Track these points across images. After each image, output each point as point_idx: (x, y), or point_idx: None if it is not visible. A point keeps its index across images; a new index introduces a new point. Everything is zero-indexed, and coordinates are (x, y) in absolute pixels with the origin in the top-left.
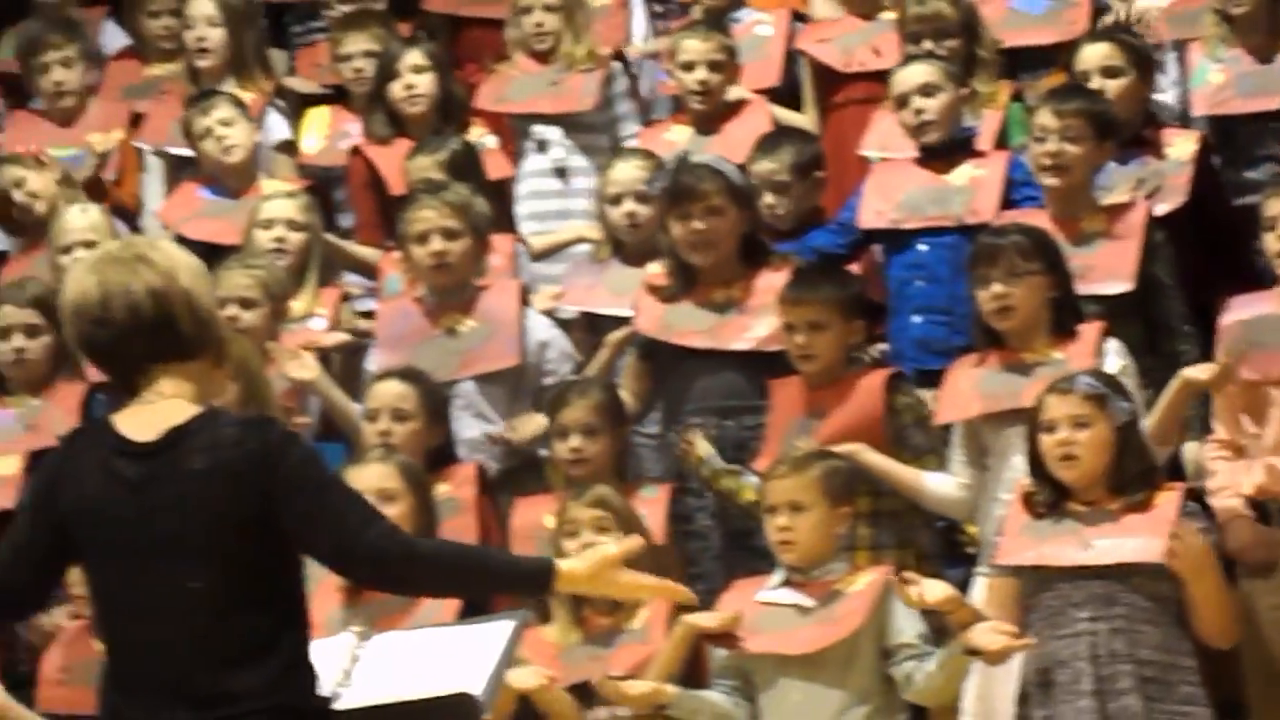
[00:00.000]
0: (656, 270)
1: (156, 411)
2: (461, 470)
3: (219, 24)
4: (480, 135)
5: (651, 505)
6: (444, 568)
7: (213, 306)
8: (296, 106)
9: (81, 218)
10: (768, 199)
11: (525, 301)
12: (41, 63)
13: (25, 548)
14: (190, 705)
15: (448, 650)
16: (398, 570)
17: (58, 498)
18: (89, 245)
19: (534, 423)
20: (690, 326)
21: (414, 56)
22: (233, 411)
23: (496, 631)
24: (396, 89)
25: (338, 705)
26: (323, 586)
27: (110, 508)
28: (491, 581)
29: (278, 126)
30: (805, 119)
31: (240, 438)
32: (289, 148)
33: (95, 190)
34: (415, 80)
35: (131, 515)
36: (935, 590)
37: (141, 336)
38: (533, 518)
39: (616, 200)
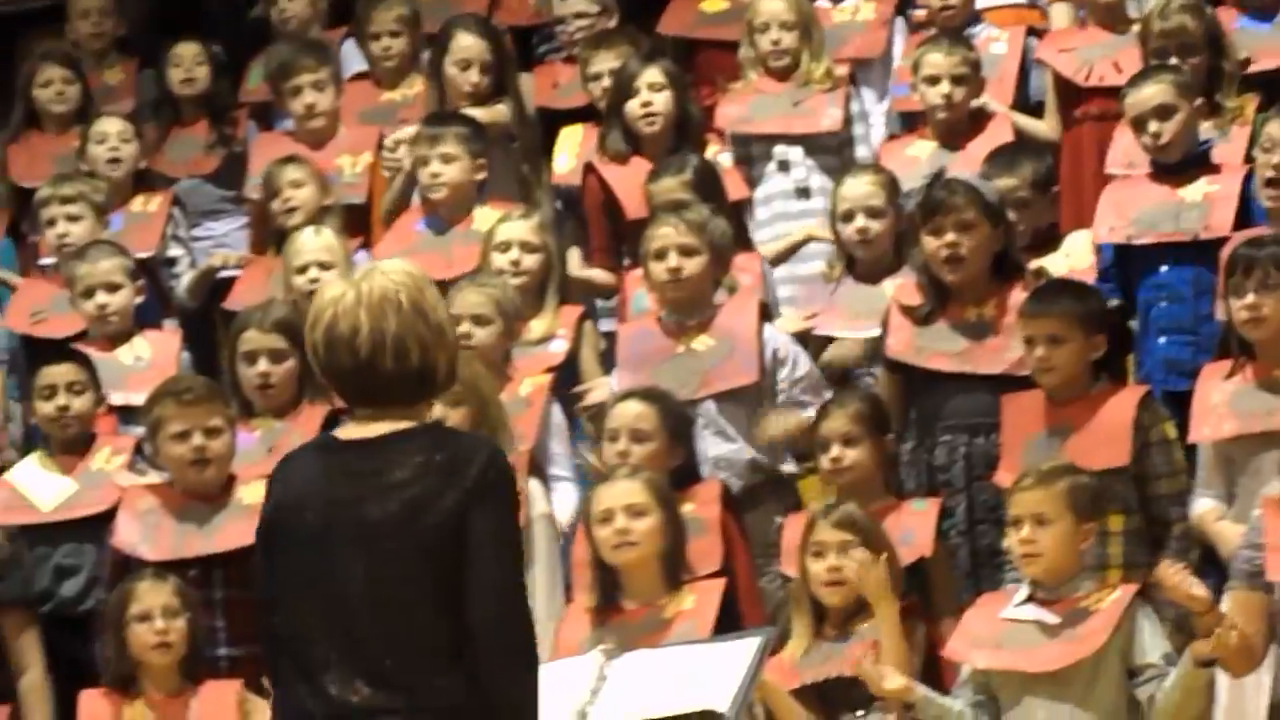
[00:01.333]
0: (899, 285)
1: (381, 422)
2: (705, 489)
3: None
4: (715, 154)
5: (921, 518)
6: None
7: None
8: (550, 126)
9: (315, 239)
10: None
11: (766, 318)
12: (293, 86)
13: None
14: (376, 685)
15: (695, 668)
16: (488, 666)
17: (268, 501)
18: (323, 266)
19: (778, 422)
20: (942, 349)
21: (652, 74)
22: (463, 437)
23: (743, 649)
24: (633, 107)
25: None
26: (573, 609)
27: (315, 499)
28: None
29: None
30: (1048, 127)
31: (453, 447)
32: None
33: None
34: (652, 98)
35: (335, 508)
36: (1199, 587)
37: (402, 383)
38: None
39: (849, 216)
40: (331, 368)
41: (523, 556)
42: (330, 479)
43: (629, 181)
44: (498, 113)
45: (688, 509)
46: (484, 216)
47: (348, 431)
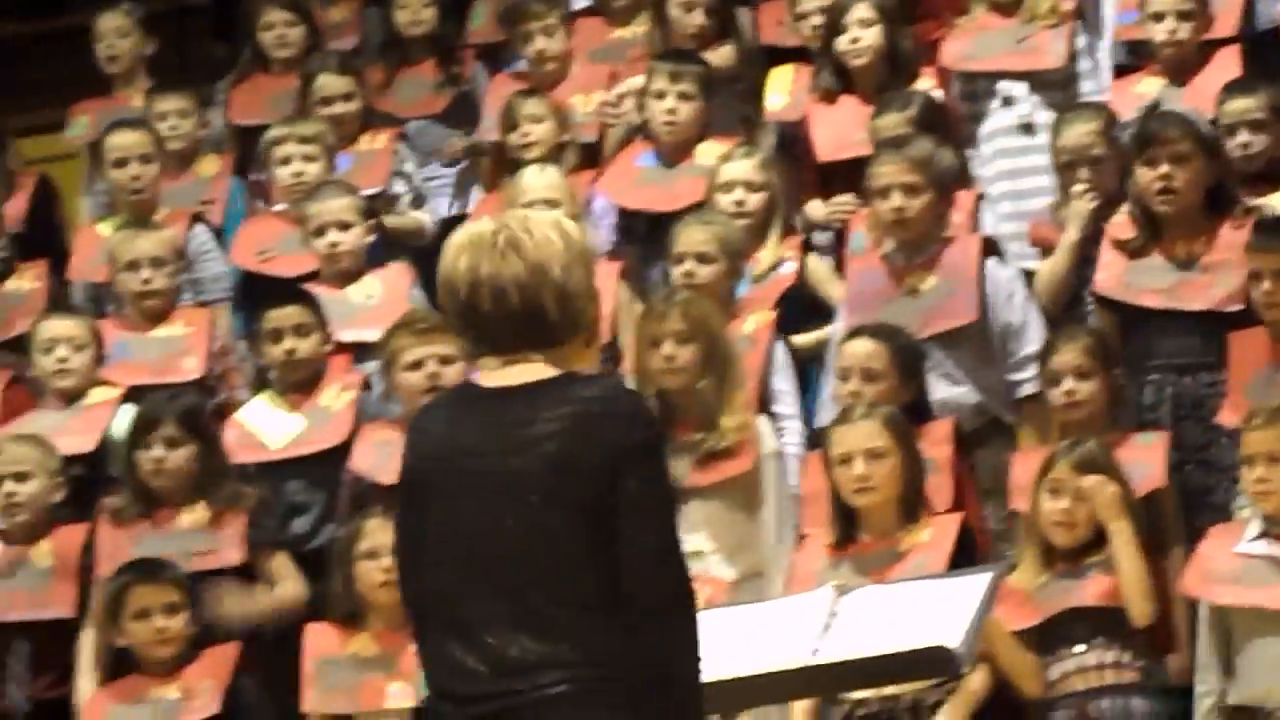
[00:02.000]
0: (1112, 221)
1: (520, 368)
2: (938, 427)
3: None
4: (929, 89)
5: (1151, 451)
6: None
7: (588, 292)
8: (763, 65)
9: (540, 177)
10: (1241, 136)
11: (989, 254)
12: (523, 31)
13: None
14: (536, 638)
15: (926, 603)
16: (653, 622)
17: (409, 454)
18: (549, 204)
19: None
20: (1151, 285)
21: (861, 10)
22: (598, 389)
23: (974, 584)
24: (843, 42)
25: (817, 660)
26: (810, 542)
27: (457, 452)
28: None
29: None
30: None
31: (592, 398)
32: None
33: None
34: (861, 34)
35: (477, 460)
36: None
37: (508, 325)
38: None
39: (1070, 167)
40: (443, 309)
41: (675, 513)
42: (473, 429)
43: (835, 119)
44: (722, 54)
45: (922, 447)
46: (706, 151)
47: (488, 377)
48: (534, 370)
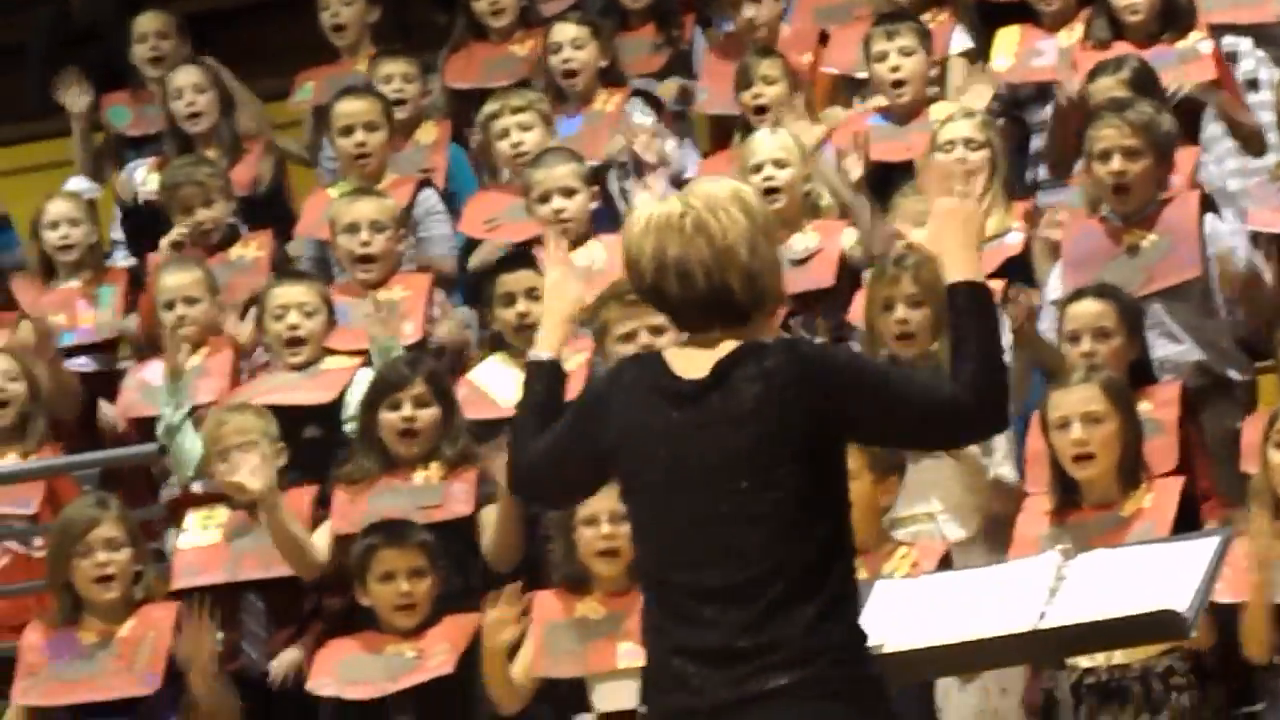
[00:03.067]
0: None
1: (703, 348)
2: (1164, 389)
3: None
4: (1197, 42)
5: None
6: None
7: (773, 266)
8: (988, 25)
9: (771, 139)
10: None
11: (1207, 210)
12: None
13: (565, 454)
14: (728, 655)
15: (1153, 567)
16: (992, 398)
17: (605, 425)
18: (779, 165)
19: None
20: None
21: None
22: (772, 338)
23: (1202, 548)
24: None
25: (1044, 624)
26: (1031, 505)
27: (660, 443)
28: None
29: (959, 39)
30: None
31: (781, 364)
32: (969, 55)
33: None
34: None
35: (682, 450)
36: None
37: (695, 306)
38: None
39: None
40: (638, 290)
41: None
42: (671, 416)
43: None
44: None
45: (1145, 408)
46: (938, 110)
47: (678, 362)
48: (719, 349)
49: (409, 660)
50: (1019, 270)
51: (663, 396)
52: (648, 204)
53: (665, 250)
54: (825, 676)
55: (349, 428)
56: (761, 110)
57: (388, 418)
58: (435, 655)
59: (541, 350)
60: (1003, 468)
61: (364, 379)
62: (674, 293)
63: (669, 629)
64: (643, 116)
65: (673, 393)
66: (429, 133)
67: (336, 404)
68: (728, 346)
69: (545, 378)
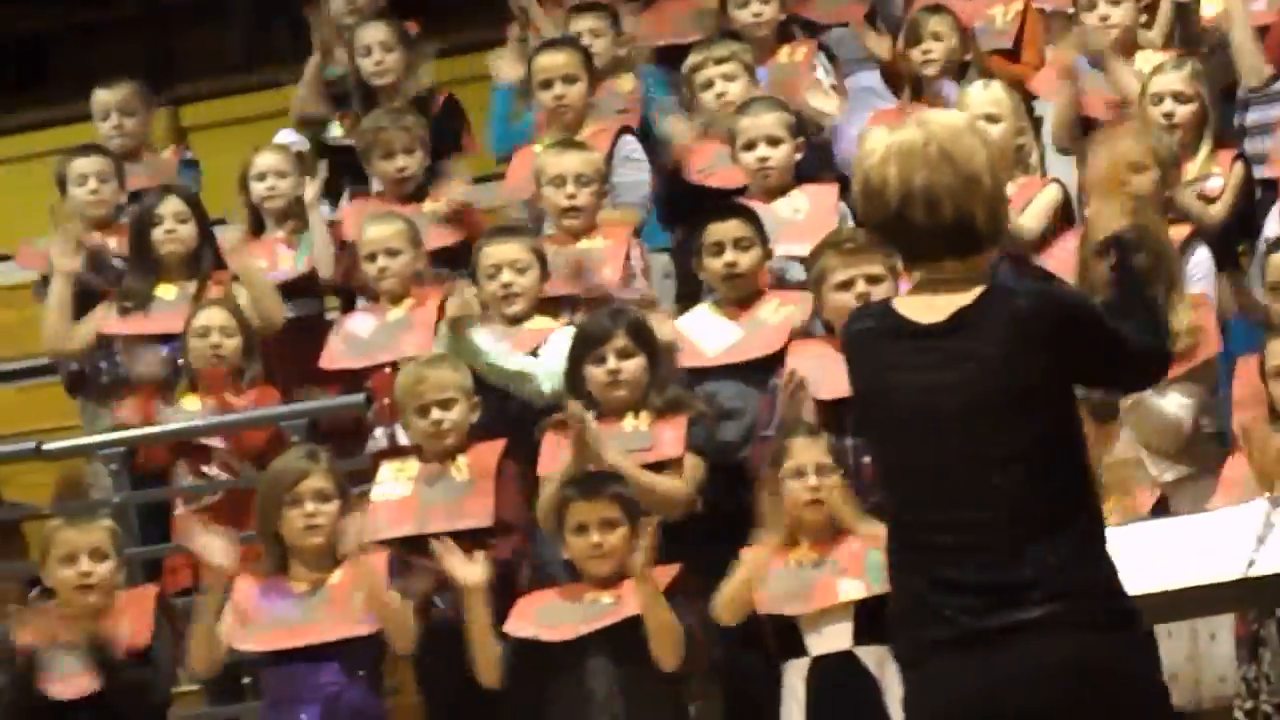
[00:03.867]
0: None
1: (941, 294)
2: None
3: None
4: None
5: None
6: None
7: (1006, 198)
8: None
9: (984, 92)
10: None
11: None
12: None
13: None
14: (984, 588)
15: None
16: (1166, 340)
17: (852, 376)
18: (990, 119)
19: None
20: None
21: None
22: (1008, 282)
23: None
24: None
25: (1253, 571)
26: (1240, 448)
27: (908, 387)
28: None
29: None
30: None
31: (1030, 308)
32: None
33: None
34: None
35: (931, 394)
36: None
37: (937, 237)
38: None
39: None
40: (869, 221)
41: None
42: (911, 363)
43: None
44: None
45: None
46: (1146, 58)
47: (913, 308)
48: (957, 292)
49: (606, 605)
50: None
51: (905, 342)
52: (881, 133)
53: (912, 178)
54: (1083, 608)
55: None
56: (929, 64)
57: (593, 371)
58: (630, 603)
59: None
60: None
61: (561, 338)
62: (919, 221)
63: (921, 565)
64: (824, 74)
65: (915, 338)
66: (626, 82)
67: None
68: (965, 290)
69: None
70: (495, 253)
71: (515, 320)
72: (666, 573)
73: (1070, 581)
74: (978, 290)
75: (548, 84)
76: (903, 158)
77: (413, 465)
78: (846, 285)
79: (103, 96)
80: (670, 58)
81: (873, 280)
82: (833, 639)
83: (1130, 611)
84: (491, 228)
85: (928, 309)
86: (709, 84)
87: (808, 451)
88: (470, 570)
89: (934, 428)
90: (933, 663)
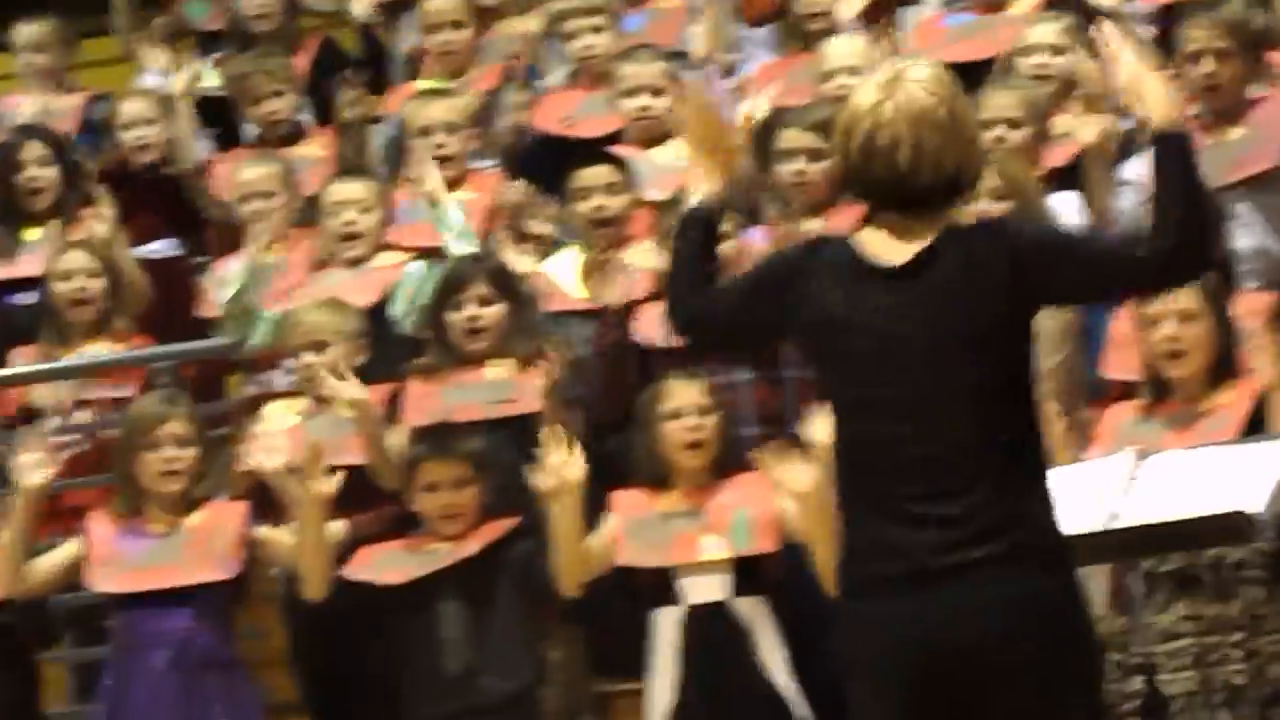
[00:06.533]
0: None
1: (902, 234)
2: (1251, 299)
3: None
4: None
5: None
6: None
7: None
8: None
9: (845, 45)
10: None
11: None
12: None
13: (745, 311)
14: (945, 522)
15: (1226, 469)
16: (1195, 238)
17: (802, 298)
18: (852, 71)
19: None
20: None
21: None
22: (971, 221)
23: (1277, 449)
24: None
25: (1116, 524)
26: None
27: (869, 322)
28: None
29: None
30: None
31: (988, 243)
32: None
33: None
34: None
35: (892, 330)
36: None
37: (933, 192)
38: None
39: None
40: (867, 177)
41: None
42: (879, 297)
43: None
44: None
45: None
46: (1021, 3)
47: (876, 246)
48: (916, 231)
49: (445, 553)
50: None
51: (864, 277)
52: (879, 89)
53: (924, 144)
54: (1027, 546)
55: (407, 323)
56: (814, 18)
57: (453, 317)
58: (470, 545)
59: (701, 196)
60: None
61: (414, 275)
62: (924, 181)
63: (874, 500)
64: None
65: (874, 274)
66: (527, 23)
67: (383, 303)
68: (926, 229)
69: (699, 226)
70: (338, 191)
71: (357, 261)
72: (513, 520)
73: (1021, 520)
74: (938, 228)
75: (434, 28)
76: (915, 121)
77: (298, 402)
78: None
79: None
80: None
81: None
82: (708, 589)
83: (1070, 554)
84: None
85: (890, 248)
86: (575, 34)
87: (685, 392)
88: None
89: (896, 365)
90: (881, 596)
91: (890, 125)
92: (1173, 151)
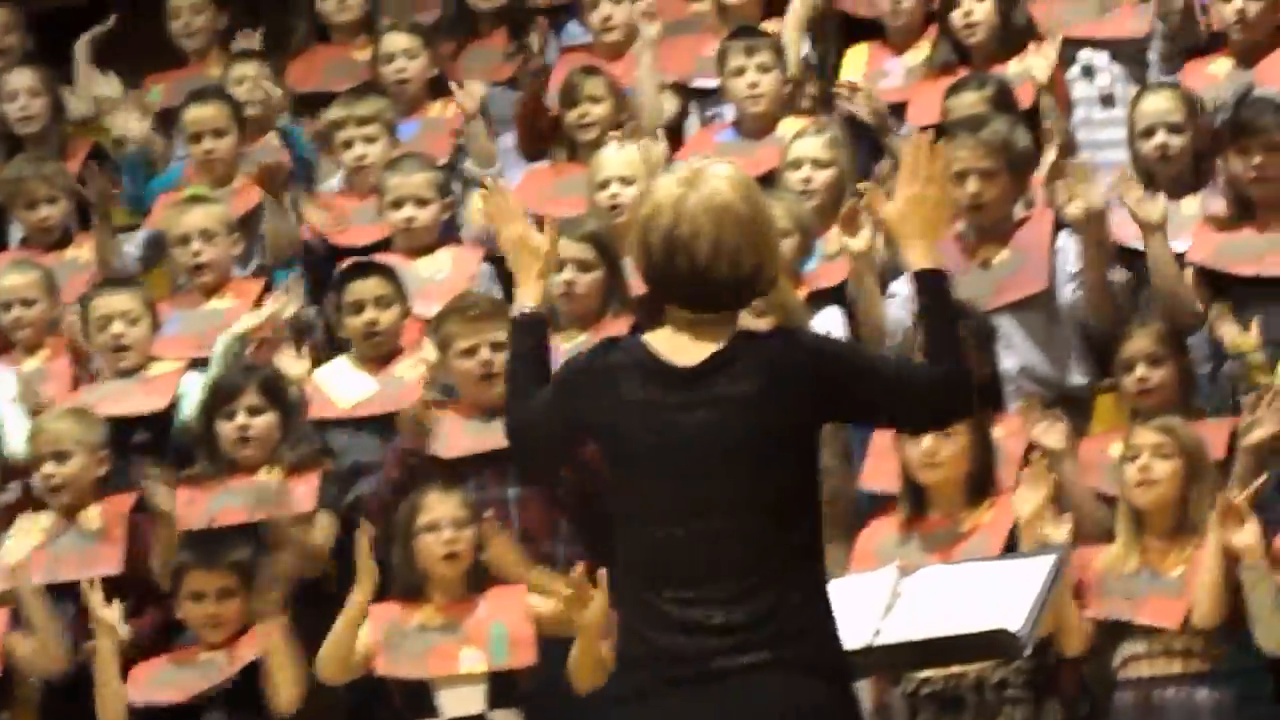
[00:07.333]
0: (1195, 204)
1: (695, 336)
2: (1013, 420)
3: None
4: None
5: (1216, 429)
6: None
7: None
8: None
9: (618, 155)
10: None
11: (1060, 227)
12: None
13: (547, 423)
14: (727, 629)
15: (988, 585)
16: (967, 381)
17: (583, 405)
18: (624, 181)
19: None
20: (1244, 256)
21: None
22: (764, 328)
23: (1037, 566)
24: (957, 17)
25: (879, 640)
26: (879, 523)
27: (651, 424)
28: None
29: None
30: None
31: (782, 352)
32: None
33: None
34: (974, 8)
35: (673, 433)
36: None
37: (730, 289)
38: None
39: (1149, 133)
40: (665, 270)
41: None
42: (663, 399)
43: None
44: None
45: (996, 433)
46: (788, 125)
47: (667, 348)
48: (709, 335)
49: (220, 663)
50: None
51: (654, 379)
52: (677, 185)
53: (724, 240)
54: (806, 654)
55: (188, 429)
56: (586, 128)
57: (224, 426)
58: (242, 658)
59: (524, 303)
60: None
61: (192, 383)
62: (721, 277)
63: (651, 603)
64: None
65: (665, 376)
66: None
67: (167, 410)
68: (718, 334)
69: (531, 330)
70: (105, 304)
71: (127, 373)
72: (276, 627)
73: (804, 627)
74: (730, 333)
75: (197, 137)
76: (718, 215)
77: (43, 517)
78: (470, 352)
79: None
80: (318, 106)
81: (497, 347)
82: (466, 702)
83: (849, 662)
84: (102, 279)
85: (681, 350)
86: (349, 144)
87: (442, 505)
88: (108, 613)
89: (674, 467)
90: (658, 700)
91: (691, 218)
92: (939, 291)
